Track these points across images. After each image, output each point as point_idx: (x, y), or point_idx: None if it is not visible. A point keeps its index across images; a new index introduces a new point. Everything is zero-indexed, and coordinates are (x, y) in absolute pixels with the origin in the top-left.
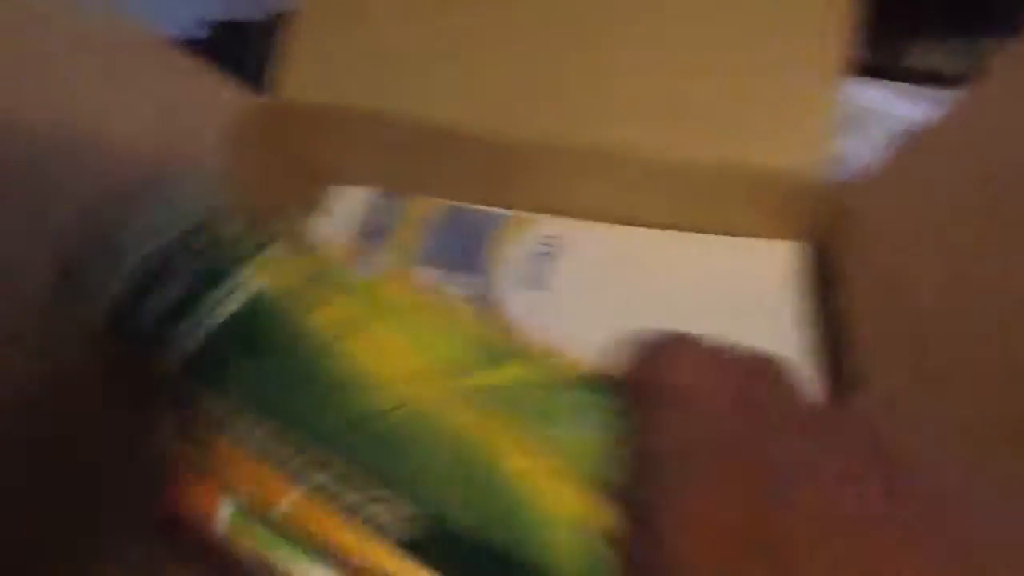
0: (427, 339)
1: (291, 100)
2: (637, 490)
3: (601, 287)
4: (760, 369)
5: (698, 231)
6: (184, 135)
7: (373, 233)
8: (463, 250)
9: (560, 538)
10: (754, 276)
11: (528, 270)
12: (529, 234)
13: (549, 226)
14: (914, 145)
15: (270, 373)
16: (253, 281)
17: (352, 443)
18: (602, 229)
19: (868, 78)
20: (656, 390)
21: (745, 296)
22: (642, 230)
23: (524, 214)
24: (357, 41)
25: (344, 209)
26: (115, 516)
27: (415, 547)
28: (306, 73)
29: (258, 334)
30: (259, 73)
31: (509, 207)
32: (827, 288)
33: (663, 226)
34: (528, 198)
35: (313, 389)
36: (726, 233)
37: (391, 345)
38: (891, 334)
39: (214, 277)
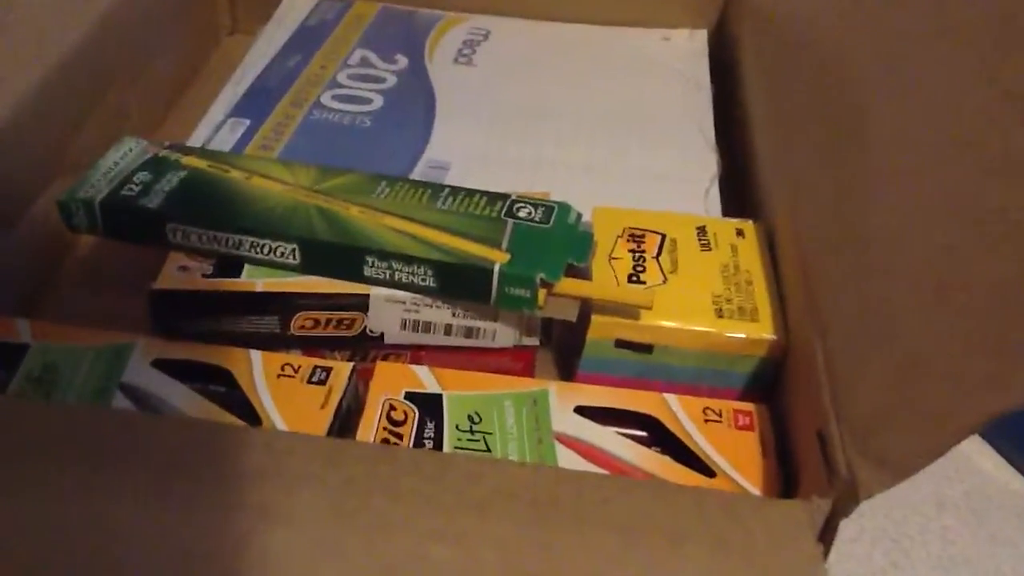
0: (286, 173)
1: None
2: None
3: (521, 65)
4: None
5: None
6: None
7: (314, 29)
8: (399, 38)
9: (380, 234)
10: (663, 62)
11: (457, 52)
12: (461, 27)
13: (479, 21)
14: None
15: (208, 204)
16: (183, 167)
17: (257, 224)
18: (526, 23)
19: None
20: None
21: (655, 80)
22: (564, 24)
23: (457, 13)
24: None
25: (289, 14)
26: None
27: (301, 265)
28: None
29: (196, 187)
30: None
31: (444, 9)
32: (726, 72)
33: (582, 22)
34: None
35: (235, 204)
36: (638, 25)
37: (268, 182)
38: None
39: (164, 169)
